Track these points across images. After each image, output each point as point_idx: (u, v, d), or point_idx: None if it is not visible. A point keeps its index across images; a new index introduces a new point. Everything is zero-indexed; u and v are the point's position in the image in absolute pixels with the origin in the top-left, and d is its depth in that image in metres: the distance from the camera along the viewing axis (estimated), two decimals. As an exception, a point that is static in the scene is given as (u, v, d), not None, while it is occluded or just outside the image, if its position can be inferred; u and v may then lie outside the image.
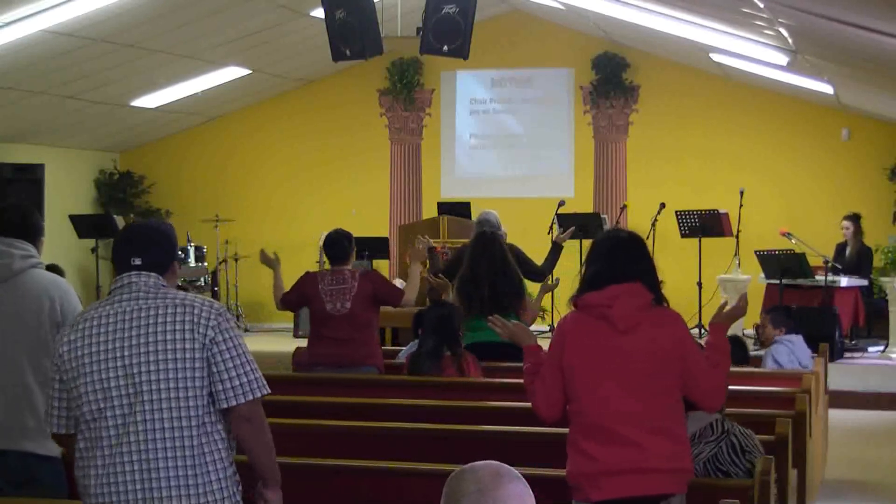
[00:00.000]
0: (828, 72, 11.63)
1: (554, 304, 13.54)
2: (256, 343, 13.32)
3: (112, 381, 3.54)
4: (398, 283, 12.87)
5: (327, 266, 7.67)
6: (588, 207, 15.11)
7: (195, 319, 3.57)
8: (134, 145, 16.97)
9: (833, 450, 8.86)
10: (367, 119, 16.31)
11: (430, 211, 15.21)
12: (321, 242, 15.29)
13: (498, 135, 16.10)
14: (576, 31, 15.40)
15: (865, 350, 12.77)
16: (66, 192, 15.48)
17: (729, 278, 13.20)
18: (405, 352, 7.88)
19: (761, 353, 8.72)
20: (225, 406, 3.58)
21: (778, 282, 12.29)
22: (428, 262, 9.00)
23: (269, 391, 3.66)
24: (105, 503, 3.52)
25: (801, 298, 12.35)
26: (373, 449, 5.31)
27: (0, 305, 4.56)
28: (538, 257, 8.45)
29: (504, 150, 16.07)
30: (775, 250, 12.65)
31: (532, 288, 8.68)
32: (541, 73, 15.84)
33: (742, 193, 13.60)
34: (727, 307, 4.43)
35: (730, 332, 4.54)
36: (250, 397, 3.58)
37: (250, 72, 15.02)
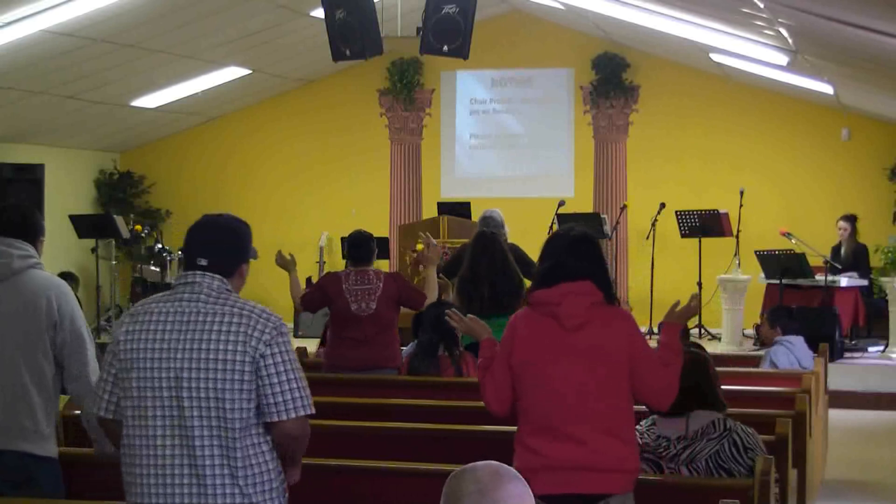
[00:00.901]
0: (828, 72, 11.63)
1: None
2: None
3: (164, 381, 3.55)
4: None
5: (327, 266, 7.67)
6: (588, 207, 15.11)
7: (249, 332, 3.56)
8: (134, 145, 16.97)
9: (833, 450, 8.86)
10: (367, 119, 16.31)
11: (430, 211, 15.21)
12: (321, 243, 15.46)
13: (498, 135, 16.10)
14: (576, 31, 15.40)
15: (865, 350, 12.76)
16: (66, 192, 15.47)
17: (729, 278, 13.19)
18: (405, 352, 7.87)
19: (761, 353, 8.73)
20: (269, 420, 3.58)
21: (778, 282, 12.29)
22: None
23: (314, 411, 3.66)
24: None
25: (801, 298, 12.34)
26: (373, 449, 5.32)
27: (-1, 305, 4.56)
28: (537, 258, 8.41)
29: (504, 150, 16.07)
30: (775, 250, 12.65)
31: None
32: (541, 73, 15.84)
33: (742, 193, 13.60)
34: (679, 306, 4.40)
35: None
36: (293, 415, 3.58)
37: (250, 72, 15.02)
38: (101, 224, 14.37)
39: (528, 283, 8.09)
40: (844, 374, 11.02)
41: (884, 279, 12.87)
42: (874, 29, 7.26)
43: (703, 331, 13.45)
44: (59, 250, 14.22)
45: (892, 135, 14.70)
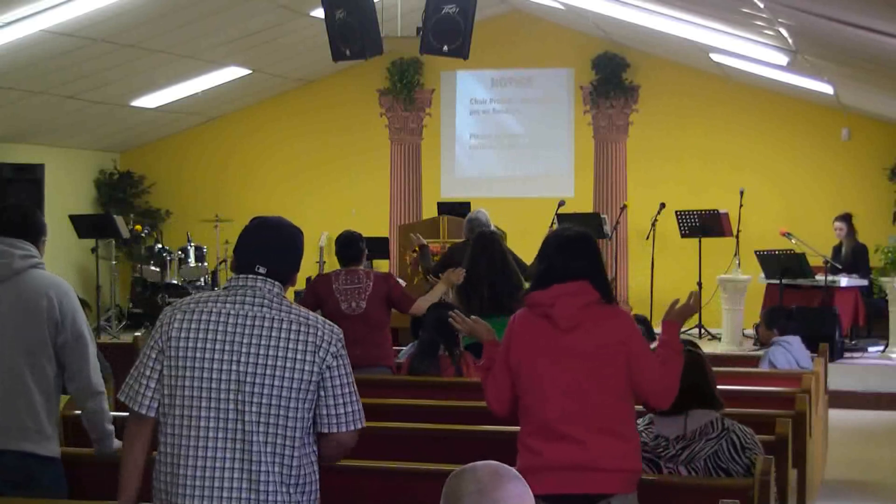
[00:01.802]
0: (828, 72, 11.63)
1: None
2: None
3: (223, 383, 3.49)
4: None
5: (328, 266, 7.68)
6: (588, 207, 15.11)
7: (318, 342, 3.55)
8: (134, 145, 16.97)
9: (833, 450, 8.86)
10: (367, 119, 16.31)
11: (430, 211, 15.21)
12: (321, 243, 15.46)
13: (498, 135, 16.11)
14: (576, 31, 15.40)
15: (865, 350, 12.76)
16: (66, 192, 15.47)
17: (729, 278, 13.20)
18: (405, 352, 7.88)
19: (761, 353, 8.72)
20: (325, 431, 3.58)
21: (778, 282, 12.29)
22: (420, 261, 9.01)
23: (365, 425, 3.68)
24: None
25: (801, 298, 12.35)
26: (373, 449, 5.31)
27: (0, 305, 4.56)
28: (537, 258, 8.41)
29: (504, 150, 16.08)
30: (775, 250, 12.65)
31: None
32: (541, 73, 15.84)
33: (742, 193, 13.60)
34: (679, 304, 4.40)
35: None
36: (351, 428, 3.61)
37: (250, 72, 15.02)
38: (101, 224, 14.36)
39: (527, 283, 8.12)
40: (844, 374, 11.01)
41: (884, 279, 12.87)
42: (874, 29, 7.26)
43: (703, 331, 13.45)
44: (59, 250, 14.21)
45: (892, 135, 14.70)
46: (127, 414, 3.69)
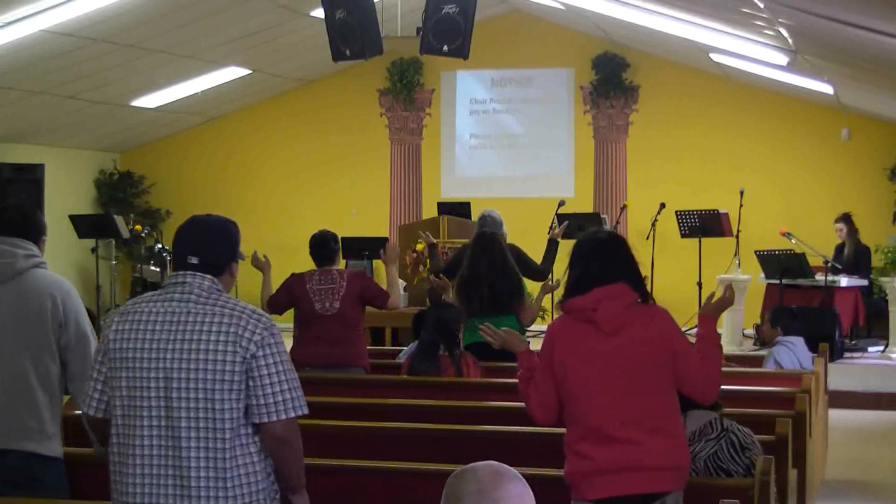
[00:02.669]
0: (828, 72, 11.63)
1: (553, 304, 13.52)
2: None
3: (151, 381, 3.54)
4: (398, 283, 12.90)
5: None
6: (588, 207, 15.11)
7: (240, 332, 3.54)
8: (134, 145, 16.97)
9: (833, 450, 8.86)
10: (367, 119, 16.32)
11: (430, 211, 15.21)
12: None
13: (498, 135, 16.11)
14: (576, 31, 15.40)
15: (865, 350, 12.76)
16: (66, 192, 15.48)
17: (729, 278, 13.18)
18: (405, 352, 7.88)
19: (762, 353, 8.72)
20: (257, 421, 3.57)
21: (778, 282, 12.29)
22: (429, 261, 9.01)
23: (307, 412, 3.64)
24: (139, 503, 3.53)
25: (801, 298, 12.34)
26: (372, 449, 5.32)
27: (2, 305, 4.56)
28: (538, 258, 8.44)
29: (504, 150, 16.08)
30: (775, 250, 12.65)
31: (533, 288, 8.68)
32: (541, 73, 15.84)
33: (742, 193, 13.59)
34: (715, 298, 4.42)
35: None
36: (283, 416, 3.56)
37: (250, 72, 15.02)
38: (101, 224, 14.37)
39: (527, 283, 8.13)
40: (844, 374, 11.01)
41: (884, 279, 12.88)
42: (874, 29, 7.27)
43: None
44: (59, 250, 14.20)
45: (892, 135, 14.70)
46: None
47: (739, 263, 13.36)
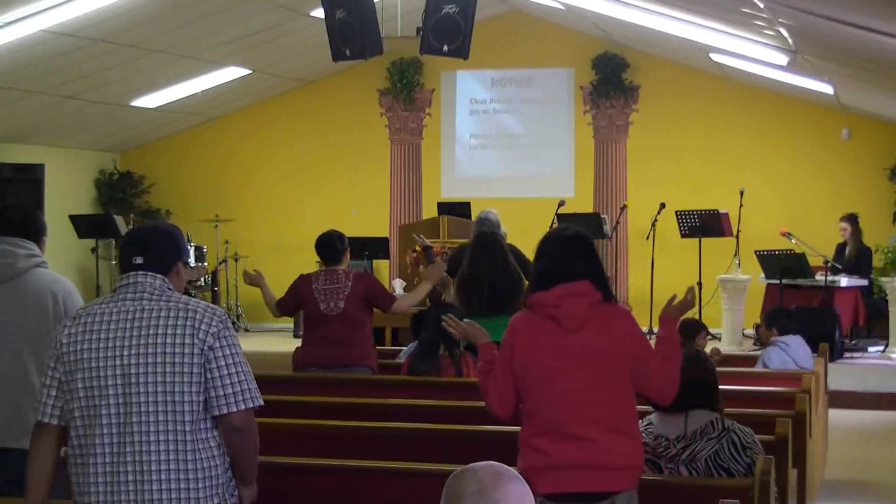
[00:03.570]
0: (828, 72, 11.63)
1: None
2: (256, 343, 13.34)
3: (109, 379, 3.57)
4: (398, 283, 12.91)
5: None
6: (588, 207, 15.11)
7: (195, 325, 3.59)
8: (134, 145, 16.97)
9: (833, 450, 8.86)
10: (367, 119, 16.31)
11: (430, 211, 15.21)
12: (321, 242, 15.44)
13: (498, 135, 16.11)
14: (576, 31, 15.40)
15: (865, 350, 12.76)
16: (66, 192, 15.47)
17: (729, 278, 13.20)
18: (405, 352, 7.88)
19: (759, 353, 8.72)
20: (216, 413, 3.60)
21: (778, 282, 12.29)
22: (422, 262, 9.01)
23: (262, 403, 3.68)
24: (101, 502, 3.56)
25: (801, 298, 12.34)
26: (373, 449, 5.32)
27: (4, 304, 4.56)
28: (534, 258, 8.42)
29: (504, 150, 16.08)
30: (775, 250, 12.65)
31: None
32: (541, 73, 15.84)
33: (742, 193, 13.59)
34: (676, 300, 4.41)
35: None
36: (242, 407, 3.61)
37: (250, 72, 15.02)
38: (101, 224, 14.37)
39: (527, 282, 8.12)
40: (844, 374, 11.02)
41: (884, 279, 12.88)
42: (874, 29, 7.26)
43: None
44: (59, 250, 14.21)
45: (892, 135, 14.70)
46: None
47: (739, 263, 13.36)
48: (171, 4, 11.69)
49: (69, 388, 3.63)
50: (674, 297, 4.42)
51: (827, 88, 12.73)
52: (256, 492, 3.81)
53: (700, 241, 13.43)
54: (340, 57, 10.83)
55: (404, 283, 12.16)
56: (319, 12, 11.35)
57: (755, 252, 12.75)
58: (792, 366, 8.03)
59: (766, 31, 9.72)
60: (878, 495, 8.07)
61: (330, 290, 7.36)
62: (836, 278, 12.48)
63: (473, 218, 12.41)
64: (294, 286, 7.56)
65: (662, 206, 13.70)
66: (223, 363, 3.59)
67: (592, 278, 4.23)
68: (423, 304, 9.01)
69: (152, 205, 16.69)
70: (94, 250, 14.48)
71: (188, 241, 15.09)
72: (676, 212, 13.53)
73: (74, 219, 14.40)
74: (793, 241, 12.94)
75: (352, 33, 10.53)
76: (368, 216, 15.75)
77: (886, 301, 12.63)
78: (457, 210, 13.39)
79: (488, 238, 7.75)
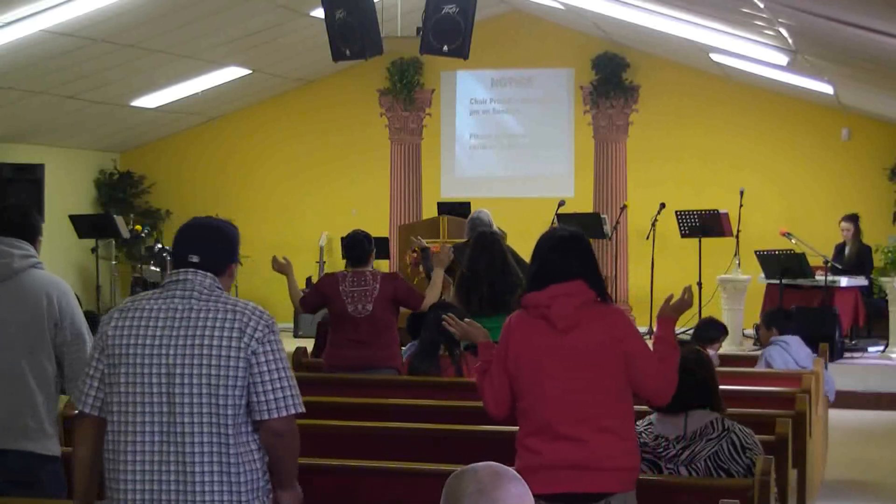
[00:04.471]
0: (828, 72, 11.63)
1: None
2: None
3: (154, 377, 3.53)
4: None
5: (327, 266, 7.67)
6: (588, 207, 15.11)
7: (242, 328, 3.55)
8: (134, 145, 16.97)
9: (833, 450, 8.86)
10: (367, 119, 16.31)
11: (430, 211, 15.21)
12: (321, 242, 15.46)
13: (498, 135, 16.11)
14: (576, 31, 15.40)
15: (865, 350, 12.77)
16: (66, 192, 15.47)
17: (729, 278, 13.20)
18: (405, 352, 7.87)
19: (759, 353, 8.73)
20: (258, 418, 3.57)
21: (778, 282, 12.30)
22: (421, 262, 9.00)
23: (304, 410, 3.65)
24: (139, 500, 3.51)
25: (801, 298, 12.35)
26: (373, 449, 5.32)
27: (0, 305, 4.56)
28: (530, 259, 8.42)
29: (504, 150, 16.07)
30: (775, 250, 12.65)
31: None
32: (541, 73, 15.84)
33: (742, 193, 13.60)
34: (673, 300, 4.41)
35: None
36: (284, 413, 3.57)
37: (250, 72, 15.02)
38: (101, 224, 14.37)
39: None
40: (844, 374, 11.01)
41: (884, 279, 12.88)
42: (874, 29, 7.26)
43: (703, 331, 13.43)
44: (59, 250, 14.22)
45: (892, 135, 14.70)
46: None
47: (739, 263, 13.36)
48: (171, 4, 11.69)
49: (111, 380, 3.58)
50: (671, 296, 4.42)
51: (827, 88, 12.73)
52: (300, 496, 3.76)
53: (700, 241, 13.43)
54: (340, 57, 10.83)
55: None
56: (319, 12, 11.35)
57: (755, 252, 12.75)
58: (793, 365, 8.03)
59: (766, 31, 9.72)
60: (878, 495, 8.07)
61: (358, 292, 7.31)
62: (836, 278, 12.49)
63: (470, 219, 12.44)
64: (319, 285, 7.54)
65: (662, 206, 13.70)
66: (266, 368, 3.55)
67: (587, 278, 4.22)
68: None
69: (152, 205, 16.69)
70: (94, 250, 14.48)
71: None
72: (676, 212, 13.53)
73: (74, 219, 14.39)
74: (793, 241, 12.94)
75: (352, 33, 10.53)
76: (368, 216, 15.73)
77: (886, 301, 12.64)
78: (457, 210, 13.38)
79: (487, 238, 7.75)
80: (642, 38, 13.77)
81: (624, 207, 14.61)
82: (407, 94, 16.04)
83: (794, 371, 7.71)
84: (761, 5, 7.90)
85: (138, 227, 15.52)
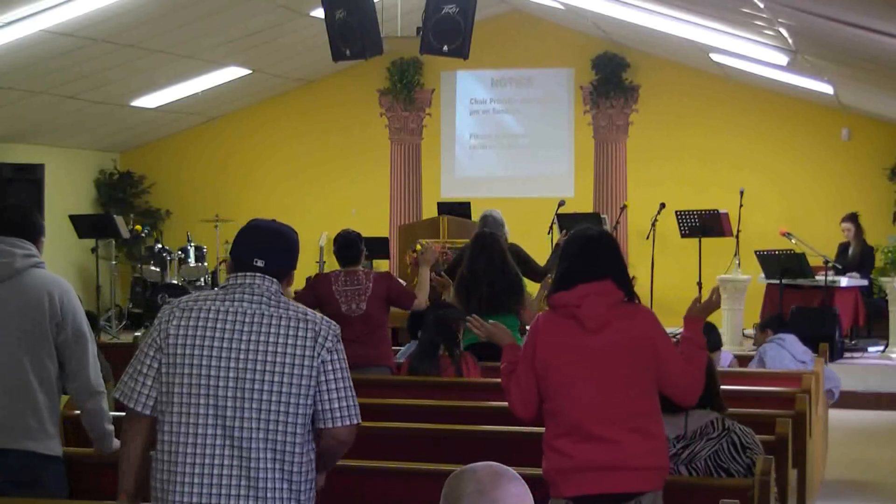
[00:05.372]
0: (828, 72, 11.63)
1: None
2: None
3: (221, 380, 3.50)
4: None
5: (327, 266, 7.68)
6: (588, 207, 15.11)
7: (316, 338, 3.55)
8: (134, 145, 16.98)
9: (833, 450, 8.86)
10: (367, 119, 16.32)
11: (430, 211, 15.22)
12: (321, 242, 15.45)
13: (498, 135, 16.11)
14: (576, 31, 15.41)
15: (865, 350, 12.77)
16: (66, 192, 15.48)
17: (729, 278, 13.18)
18: (404, 352, 7.88)
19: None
20: (322, 427, 3.57)
21: (778, 282, 12.30)
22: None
23: (361, 422, 3.68)
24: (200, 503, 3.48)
25: (801, 298, 12.35)
26: (373, 449, 5.31)
27: (1, 304, 4.56)
28: (538, 258, 8.45)
29: (504, 150, 16.08)
30: (775, 250, 12.65)
31: (533, 287, 8.69)
32: (541, 73, 15.85)
33: (742, 193, 13.59)
34: (701, 301, 4.41)
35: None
36: (348, 423, 3.60)
37: (250, 72, 15.03)
38: (101, 224, 14.36)
39: (527, 282, 8.13)
40: (844, 374, 10.95)
41: (884, 279, 12.88)
42: (874, 29, 7.27)
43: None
44: (59, 250, 14.21)
45: (892, 135, 14.71)
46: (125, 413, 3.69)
47: (739, 263, 13.36)
48: (171, 4, 11.70)
49: (167, 380, 3.53)
50: (698, 298, 4.43)
51: (827, 88, 12.73)
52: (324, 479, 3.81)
53: (700, 241, 13.42)
54: (340, 57, 10.83)
55: (404, 283, 12.14)
56: (319, 12, 11.35)
57: (755, 252, 12.75)
58: (789, 359, 8.04)
59: (766, 31, 9.72)
60: (878, 495, 8.07)
61: (351, 292, 7.32)
62: (836, 278, 12.49)
63: (473, 218, 12.46)
64: (312, 285, 7.54)
65: (662, 206, 13.69)
66: (334, 377, 3.57)
67: (615, 277, 4.22)
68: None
69: (152, 205, 16.70)
70: (94, 250, 14.47)
71: (189, 241, 15.12)
72: (676, 212, 13.53)
73: (74, 219, 14.39)
74: (793, 241, 12.94)
75: (352, 33, 10.53)
76: (368, 216, 15.75)
77: (886, 301, 12.64)
78: (457, 210, 13.37)
79: (487, 238, 7.75)
80: (642, 38, 13.77)
81: (624, 207, 14.61)
82: (407, 94, 16.05)
83: (795, 371, 7.71)
84: (761, 5, 7.90)
85: (138, 227, 15.52)
